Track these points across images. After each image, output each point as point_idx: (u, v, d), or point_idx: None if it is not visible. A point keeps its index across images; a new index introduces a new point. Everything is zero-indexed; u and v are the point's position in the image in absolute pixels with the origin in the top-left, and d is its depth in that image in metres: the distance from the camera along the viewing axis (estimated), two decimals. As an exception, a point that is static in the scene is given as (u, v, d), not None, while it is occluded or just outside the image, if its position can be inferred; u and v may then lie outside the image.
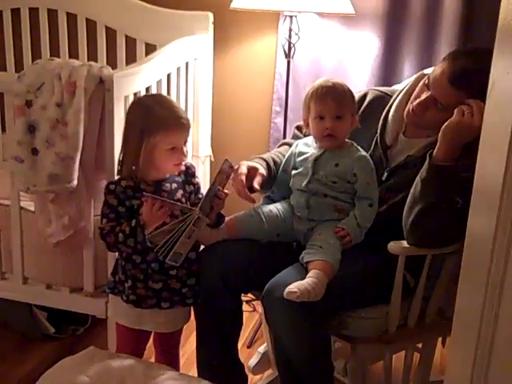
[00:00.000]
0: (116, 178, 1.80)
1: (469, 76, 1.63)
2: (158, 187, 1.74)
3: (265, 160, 1.88)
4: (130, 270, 1.75)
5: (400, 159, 1.80)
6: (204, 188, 1.84)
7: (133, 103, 1.80)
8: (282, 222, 1.80)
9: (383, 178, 1.81)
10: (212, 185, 1.69)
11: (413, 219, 1.66)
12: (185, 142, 1.73)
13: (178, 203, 1.73)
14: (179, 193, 1.77)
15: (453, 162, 1.62)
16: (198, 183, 1.85)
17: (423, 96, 1.73)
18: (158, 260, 1.72)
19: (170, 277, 1.75)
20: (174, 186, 1.77)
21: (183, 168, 1.81)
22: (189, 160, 2.08)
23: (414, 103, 1.75)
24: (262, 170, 1.80)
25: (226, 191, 1.71)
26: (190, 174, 1.83)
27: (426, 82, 1.73)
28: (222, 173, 1.70)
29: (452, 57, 1.70)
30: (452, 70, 1.65)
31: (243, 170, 1.76)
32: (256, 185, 1.76)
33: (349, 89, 1.75)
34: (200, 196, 1.82)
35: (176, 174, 1.79)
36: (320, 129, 1.73)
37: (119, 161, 1.77)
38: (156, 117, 1.68)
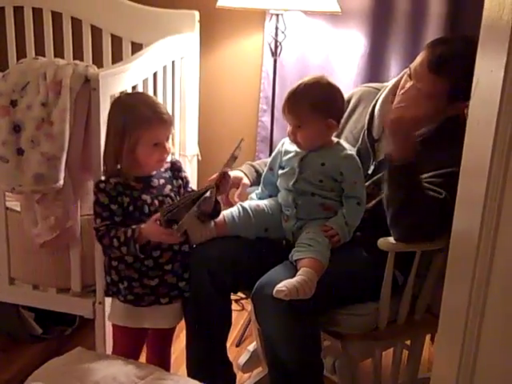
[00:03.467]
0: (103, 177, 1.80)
1: (447, 62, 1.66)
2: (146, 183, 1.75)
3: (253, 166, 1.95)
4: (123, 270, 1.76)
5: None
6: (194, 185, 1.85)
7: (113, 103, 1.81)
8: (269, 217, 1.80)
9: (370, 172, 1.82)
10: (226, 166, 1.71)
11: (390, 220, 1.69)
12: (167, 138, 1.74)
13: (191, 192, 1.75)
14: (167, 188, 1.79)
15: (411, 159, 1.63)
16: (185, 177, 1.87)
17: (407, 86, 1.75)
18: (152, 256, 1.74)
19: (166, 272, 1.76)
20: (162, 181, 1.79)
21: (168, 165, 1.82)
22: (176, 158, 2.09)
23: (399, 95, 1.77)
24: (246, 180, 1.90)
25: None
26: (176, 168, 1.84)
27: (409, 72, 1.76)
28: (233, 156, 1.71)
29: (430, 45, 1.73)
30: (430, 58, 1.68)
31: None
32: (236, 198, 1.83)
33: (316, 94, 1.71)
34: (189, 189, 1.85)
35: (162, 170, 1.80)
36: (288, 134, 1.76)
37: (103, 160, 1.78)
38: (137, 113, 1.70)
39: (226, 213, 1.80)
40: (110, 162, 1.74)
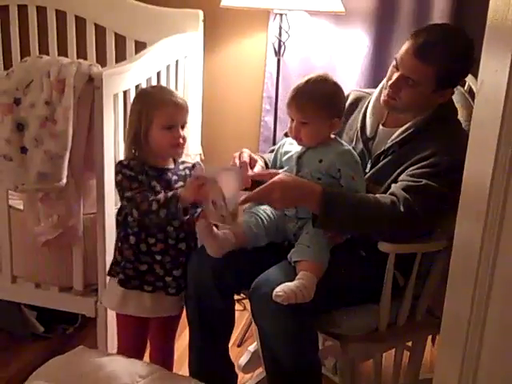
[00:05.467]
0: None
1: (432, 47, 1.69)
2: (160, 173, 1.77)
3: (262, 157, 1.92)
4: (125, 250, 1.78)
5: (381, 150, 1.82)
6: None
7: (135, 95, 1.87)
8: (275, 219, 1.79)
9: (367, 170, 1.83)
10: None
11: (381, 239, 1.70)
12: (182, 126, 1.76)
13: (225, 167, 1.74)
14: (178, 185, 1.79)
15: (321, 201, 1.63)
16: None
17: (394, 77, 1.76)
18: (147, 242, 1.76)
19: (155, 261, 1.78)
20: (175, 177, 1.80)
21: (189, 165, 1.85)
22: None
23: (387, 87, 1.79)
24: (261, 162, 1.85)
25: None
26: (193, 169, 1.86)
27: (395, 63, 1.77)
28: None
29: (414, 34, 1.75)
30: (415, 45, 1.71)
31: (245, 157, 1.80)
32: (259, 171, 1.79)
33: (324, 93, 1.71)
34: None
35: (181, 168, 1.82)
36: (290, 130, 1.75)
37: (126, 146, 1.81)
38: (152, 97, 1.76)
39: (243, 227, 1.75)
40: (131, 149, 1.77)
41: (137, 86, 2.07)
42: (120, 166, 1.76)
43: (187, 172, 1.84)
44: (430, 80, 1.70)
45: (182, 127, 1.76)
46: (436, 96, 1.75)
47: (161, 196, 1.69)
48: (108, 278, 1.89)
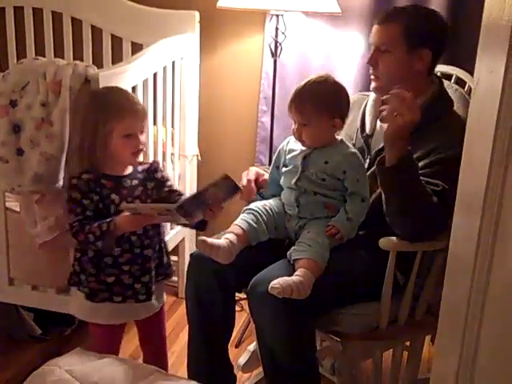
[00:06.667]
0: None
1: (392, 12, 1.82)
2: (118, 182, 1.74)
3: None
4: (86, 262, 1.77)
5: (380, 146, 1.82)
6: (179, 183, 1.81)
7: (88, 96, 1.81)
8: (276, 216, 1.80)
9: (366, 166, 1.83)
10: (203, 192, 1.65)
11: (394, 227, 1.69)
12: (141, 131, 1.73)
13: (159, 205, 1.73)
14: (139, 190, 1.78)
15: (404, 157, 1.63)
16: (162, 177, 1.84)
17: (370, 54, 1.83)
18: (111, 254, 1.74)
19: (123, 272, 1.76)
20: (135, 182, 1.78)
21: (146, 165, 1.83)
22: (175, 160, 2.07)
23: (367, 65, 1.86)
24: (266, 176, 1.92)
25: (221, 206, 1.70)
26: (151, 170, 1.83)
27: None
28: (221, 188, 1.65)
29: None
30: (378, 17, 1.83)
31: (251, 176, 1.90)
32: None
33: (323, 93, 1.72)
34: (166, 189, 1.82)
35: (139, 170, 1.80)
36: (293, 132, 1.76)
37: (79, 156, 1.77)
38: (110, 104, 1.71)
39: (240, 222, 1.76)
40: (87, 157, 1.73)
41: (133, 88, 2.07)
42: (69, 186, 1.74)
43: (145, 174, 1.80)
44: (397, 39, 1.75)
45: (141, 133, 1.74)
46: (413, 61, 1.77)
47: (96, 228, 1.67)
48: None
